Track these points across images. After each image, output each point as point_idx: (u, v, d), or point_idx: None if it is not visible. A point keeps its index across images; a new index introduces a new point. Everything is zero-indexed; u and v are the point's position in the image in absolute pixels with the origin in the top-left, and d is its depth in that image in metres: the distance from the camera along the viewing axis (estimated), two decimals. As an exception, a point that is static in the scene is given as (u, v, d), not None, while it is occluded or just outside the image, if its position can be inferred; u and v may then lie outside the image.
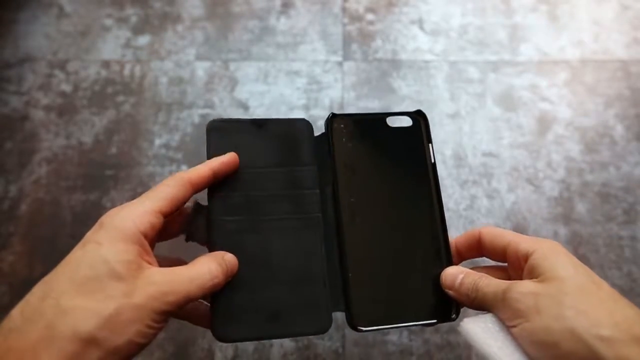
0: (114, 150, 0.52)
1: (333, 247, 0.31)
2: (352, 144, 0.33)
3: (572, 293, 0.24)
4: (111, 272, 0.24)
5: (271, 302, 0.29)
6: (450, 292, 0.30)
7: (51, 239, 0.48)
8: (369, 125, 0.34)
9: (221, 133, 0.32)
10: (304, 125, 0.34)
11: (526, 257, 0.27)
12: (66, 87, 0.56)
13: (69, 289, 0.23)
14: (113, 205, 0.49)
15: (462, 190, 0.50)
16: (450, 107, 0.55)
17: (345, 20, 0.60)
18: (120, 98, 0.55)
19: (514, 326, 0.25)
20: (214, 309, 0.28)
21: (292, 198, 0.32)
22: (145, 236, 0.26)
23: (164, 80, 0.56)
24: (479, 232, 0.31)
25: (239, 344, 0.43)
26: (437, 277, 0.31)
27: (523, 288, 0.25)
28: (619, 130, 0.53)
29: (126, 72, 0.56)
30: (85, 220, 0.49)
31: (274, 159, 0.32)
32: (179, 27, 0.59)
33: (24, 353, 0.22)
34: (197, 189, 0.29)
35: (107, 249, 0.24)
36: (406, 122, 0.34)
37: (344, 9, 0.60)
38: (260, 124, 0.33)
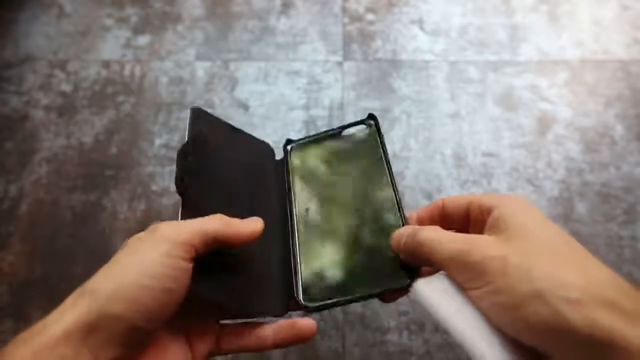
0: (114, 150, 0.52)
1: (288, 242, 0.32)
2: (309, 159, 0.35)
3: (540, 253, 0.23)
4: (144, 265, 0.24)
5: (242, 276, 0.29)
6: (401, 256, 0.28)
7: (51, 239, 0.48)
8: (325, 141, 0.36)
9: (203, 122, 0.33)
10: (267, 147, 0.37)
11: (490, 210, 0.26)
12: (66, 87, 0.55)
13: (103, 279, 0.24)
14: (113, 205, 0.49)
15: (462, 190, 0.50)
16: (450, 107, 0.55)
17: (346, 20, 0.60)
18: (120, 98, 0.55)
19: (475, 288, 0.24)
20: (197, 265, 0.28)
21: (256, 194, 0.33)
22: (185, 244, 0.25)
23: (164, 80, 0.56)
24: (442, 201, 0.30)
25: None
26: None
27: (488, 250, 0.23)
28: (619, 130, 0.53)
29: (126, 72, 0.56)
30: (85, 220, 0.49)
31: (239, 160, 0.34)
32: (179, 27, 0.59)
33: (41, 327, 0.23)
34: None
35: (146, 249, 0.25)
36: (361, 129, 0.35)
37: (344, 9, 0.60)
38: (234, 129, 0.35)
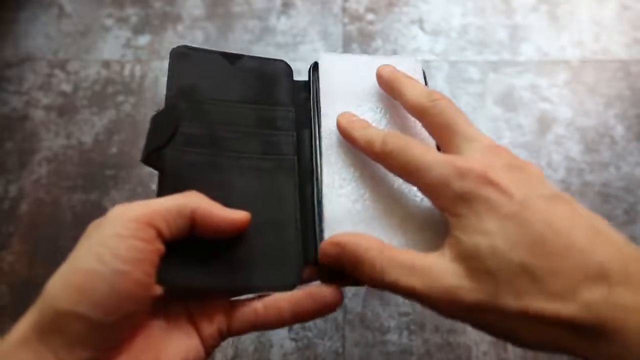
0: (114, 150, 0.52)
1: (306, 193, 0.27)
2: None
3: (506, 294, 0.21)
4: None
5: (229, 249, 0.25)
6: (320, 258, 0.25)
7: (51, 239, 0.48)
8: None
9: (187, 61, 0.29)
10: (283, 66, 0.31)
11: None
12: (66, 87, 0.55)
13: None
14: (113, 205, 0.49)
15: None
16: (451, 107, 0.54)
17: (346, 20, 0.60)
18: (121, 98, 0.55)
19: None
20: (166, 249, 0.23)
21: (264, 137, 0.28)
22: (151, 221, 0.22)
23: (164, 80, 0.56)
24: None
25: (238, 345, 0.43)
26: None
27: (465, 304, 0.21)
28: (619, 130, 0.53)
29: (126, 72, 0.56)
30: (85, 220, 0.49)
31: (245, 95, 0.29)
32: (179, 27, 0.59)
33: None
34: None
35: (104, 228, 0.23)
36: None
37: (344, 9, 0.60)
38: (233, 59, 0.30)
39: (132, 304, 0.21)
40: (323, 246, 0.25)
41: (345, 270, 0.24)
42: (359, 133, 0.27)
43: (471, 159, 0.23)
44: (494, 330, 0.21)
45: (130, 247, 0.21)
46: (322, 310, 0.25)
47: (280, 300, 0.25)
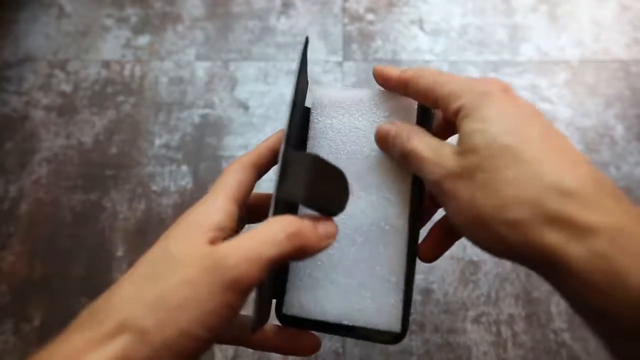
0: (114, 150, 0.52)
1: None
2: None
3: (485, 168, 0.21)
4: (171, 260, 0.21)
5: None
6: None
7: (51, 239, 0.48)
8: None
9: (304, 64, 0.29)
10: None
11: (457, 111, 0.24)
12: (66, 87, 0.55)
13: (127, 285, 0.21)
14: (113, 205, 0.49)
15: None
16: (451, 107, 0.55)
17: (345, 20, 0.60)
18: (120, 98, 0.55)
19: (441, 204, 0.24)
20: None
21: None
22: (223, 229, 0.23)
23: (164, 80, 0.56)
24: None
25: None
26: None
27: (443, 168, 0.23)
28: (619, 130, 0.53)
29: (126, 72, 0.56)
30: (85, 220, 0.49)
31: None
32: (179, 27, 0.59)
33: (74, 353, 0.19)
34: (261, 172, 0.27)
35: (175, 240, 0.22)
36: None
37: (344, 9, 0.60)
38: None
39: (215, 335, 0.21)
40: (382, 124, 0.28)
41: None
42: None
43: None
44: (457, 203, 0.22)
45: (234, 315, 0.21)
46: (298, 352, 0.27)
47: (269, 330, 0.27)
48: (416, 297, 0.45)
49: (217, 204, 0.23)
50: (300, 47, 0.27)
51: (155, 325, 0.19)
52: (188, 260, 0.20)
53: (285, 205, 0.26)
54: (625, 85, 0.56)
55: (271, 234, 0.21)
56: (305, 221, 0.23)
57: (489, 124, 0.22)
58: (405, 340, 0.44)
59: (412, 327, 0.44)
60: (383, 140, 0.27)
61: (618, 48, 0.58)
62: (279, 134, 0.28)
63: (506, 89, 0.24)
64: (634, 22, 0.59)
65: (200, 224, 0.22)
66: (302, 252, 0.22)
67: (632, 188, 0.50)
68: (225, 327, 0.21)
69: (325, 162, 0.23)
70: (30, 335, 0.44)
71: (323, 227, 0.23)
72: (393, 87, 0.28)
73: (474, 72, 0.56)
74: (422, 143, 0.25)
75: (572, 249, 0.19)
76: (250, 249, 0.21)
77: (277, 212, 0.23)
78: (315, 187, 0.23)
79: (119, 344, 0.19)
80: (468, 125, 0.23)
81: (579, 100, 0.55)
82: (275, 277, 0.27)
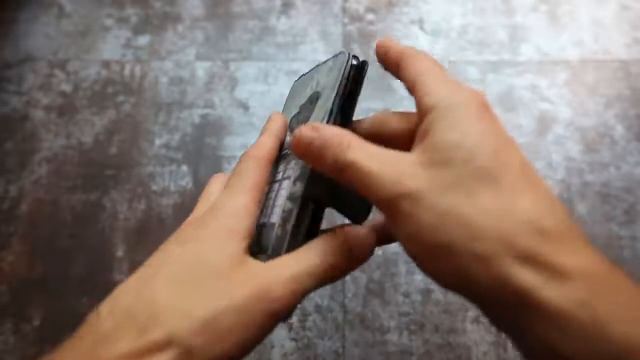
0: (114, 150, 0.52)
1: None
2: None
3: (458, 188, 0.19)
4: (211, 270, 0.21)
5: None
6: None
7: (51, 239, 0.48)
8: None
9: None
10: None
11: (426, 112, 0.21)
12: (66, 87, 0.55)
13: (165, 289, 0.20)
14: (113, 205, 0.49)
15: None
16: (451, 107, 0.54)
17: (346, 20, 0.60)
18: (120, 98, 0.55)
19: (392, 227, 0.21)
20: None
21: None
22: (250, 232, 0.23)
23: (164, 80, 0.56)
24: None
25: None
26: None
27: (402, 184, 0.19)
28: (619, 130, 0.53)
29: (126, 72, 0.56)
30: (85, 220, 0.49)
31: None
32: (179, 27, 0.59)
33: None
34: (272, 164, 0.26)
35: (210, 246, 0.21)
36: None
37: (344, 9, 0.60)
38: None
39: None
40: (302, 130, 0.22)
41: (314, 157, 0.22)
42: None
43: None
44: (415, 228, 0.19)
45: (274, 326, 0.21)
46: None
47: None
48: (416, 297, 0.45)
49: (244, 207, 0.23)
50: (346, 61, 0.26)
51: (203, 345, 0.19)
52: (233, 279, 0.20)
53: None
54: (625, 85, 0.56)
55: (312, 264, 0.21)
56: (343, 248, 0.22)
57: (468, 139, 0.19)
58: (405, 340, 0.44)
59: (412, 327, 0.44)
60: (303, 149, 0.22)
61: (618, 48, 0.58)
62: (279, 120, 0.27)
63: (487, 106, 0.21)
64: (634, 22, 0.59)
65: (232, 229, 0.22)
66: (336, 278, 0.22)
67: (632, 188, 0.50)
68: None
69: None
70: (30, 335, 0.44)
71: (359, 249, 0.22)
72: (390, 62, 0.25)
73: (474, 72, 0.56)
74: (365, 154, 0.21)
75: (548, 291, 0.17)
76: (294, 281, 0.21)
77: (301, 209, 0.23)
78: (340, 189, 0.23)
79: (165, 358, 0.19)
80: (444, 135, 0.20)
81: (579, 100, 0.55)
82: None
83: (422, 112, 0.21)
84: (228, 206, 0.23)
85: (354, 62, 0.26)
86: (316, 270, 0.21)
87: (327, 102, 0.26)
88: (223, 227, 0.22)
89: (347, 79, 0.26)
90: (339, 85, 0.25)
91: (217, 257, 0.21)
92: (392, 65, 0.25)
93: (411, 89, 0.23)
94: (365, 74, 0.27)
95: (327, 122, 0.24)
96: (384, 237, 0.25)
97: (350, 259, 0.22)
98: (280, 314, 0.21)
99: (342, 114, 0.25)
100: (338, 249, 0.22)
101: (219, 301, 0.20)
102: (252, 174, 0.24)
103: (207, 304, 0.20)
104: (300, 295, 0.21)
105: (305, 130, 0.22)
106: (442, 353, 0.43)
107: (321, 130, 0.22)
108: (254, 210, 0.23)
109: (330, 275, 0.22)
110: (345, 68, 0.26)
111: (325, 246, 0.22)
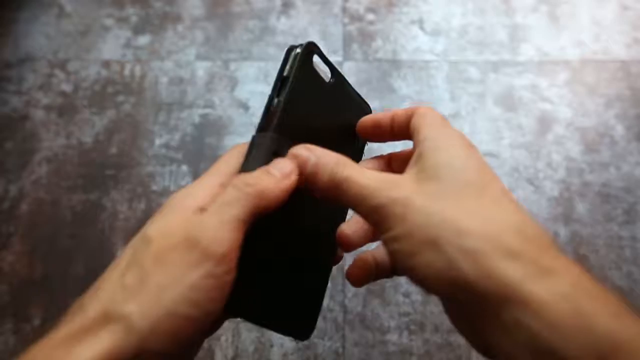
0: (114, 150, 0.52)
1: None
2: None
3: (448, 195, 0.20)
4: (146, 240, 0.21)
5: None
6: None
7: (51, 239, 0.48)
8: None
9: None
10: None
11: (417, 144, 0.23)
12: (66, 87, 0.55)
13: (111, 273, 0.20)
14: (113, 205, 0.49)
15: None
16: (451, 107, 0.55)
17: (346, 20, 0.60)
18: (120, 98, 0.55)
19: (381, 233, 0.21)
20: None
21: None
22: (205, 209, 0.22)
23: (164, 80, 0.56)
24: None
25: (238, 345, 0.43)
26: None
27: (393, 192, 0.21)
28: (619, 130, 0.53)
29: (126, 72, 0.56)
30: (85, 220, 0.49)
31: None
32: (179, 27, 0.59)
33: (61, 344, 0.18)
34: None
35: (152, 222, 0.22)
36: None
37: (344, 9, 0.60)
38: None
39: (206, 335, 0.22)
40: (297, 149, 0.23)
41: (307, 179, 0.23)
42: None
43: None
44: (408, 225, 0.20)
45: (220, 286, 0.20)
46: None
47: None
48: (416, 297, 0.45)
49: (204, 187, 0.23)
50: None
51: (139, 309, 0.18)
52: (160, 239, 0.20)
53: None
54: (625, 85, 0.56)
55: (228, 194, 0.21)
56: (257, 171, 0.22)
57: (456, 161, 0.22)
58: (405, 340, 0.44)
59: (412, 327, 0.44)
60: (299, 167, 0.23)
61: (618, 48, 0.58)
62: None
63: (471, 142, 0.24)
64: (634, 22, 0.59)
65: (180, 205, 0.22)
66: (265, 199, 0.21)
67: (632, 188, 0.50)
68: (220, 300, 0.20)
69: (284, 140, 0.24)
70: (30, 335, 0.44)
71: (276, 169, 0.22)
72: (387, 131, 0.27)
73: (474, 72, 0.56)
74: (360, 171, 0.22)
75: (533, 285, 0.18)
76: (214, 214, 0.20)
77: None
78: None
79: (106, 337, 0.18)
80: (435, 158, 0.22)
81: (579, 100, 0.55)
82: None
83: (415, 144, 0.24)
84: (189, 187, 0.23)
85: (298, 50, 0.29)
86: (233, 197, 0.21)
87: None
88: (172, 205, 0.23)
89: (284, 63, 0.28)
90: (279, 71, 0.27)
91: (155, 228, 0.21)
92: (388, 128, 0.27)
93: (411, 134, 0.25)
94: (298, 55, 0.29)
95: (270, 103, 0.26)
96: (381, 271, 0.27)
97: (266, 174, 0.22)
98: (211, 250, 0.20)
99: (279, 94, 0.27)
100: (251, 173, 0.22)
101: (144, 262, 0.20)
102: (229, 163, 0.24)
103: (134, 270, 0.20)
104: (227, 225, 0.20)
105: (300, 150, 0.23)
106: (443, 353, 0.43)
107: (314, 151, 0.23)
108: (217, 192, 0.23)
109: (252, 195, 0.21)
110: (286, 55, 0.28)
111: (241, 176, 0.22)
